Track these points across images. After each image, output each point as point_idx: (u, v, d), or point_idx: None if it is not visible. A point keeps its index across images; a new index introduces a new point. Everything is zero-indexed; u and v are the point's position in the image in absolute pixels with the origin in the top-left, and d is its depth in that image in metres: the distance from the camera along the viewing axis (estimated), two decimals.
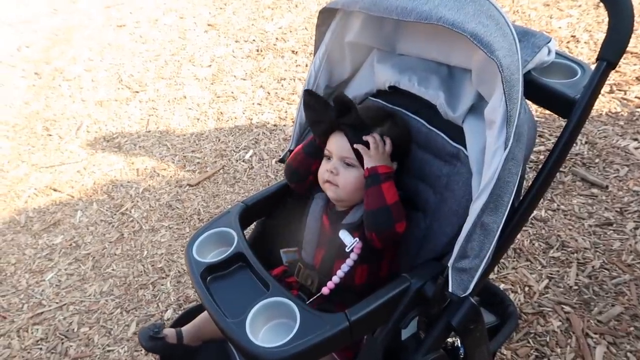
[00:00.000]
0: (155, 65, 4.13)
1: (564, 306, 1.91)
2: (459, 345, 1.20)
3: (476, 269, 0.93)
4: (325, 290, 1.12)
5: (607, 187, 2.40)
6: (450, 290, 0.94)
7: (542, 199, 2.44)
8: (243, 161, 2.92)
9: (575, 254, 2.10)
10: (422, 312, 1.05)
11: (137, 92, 3.78)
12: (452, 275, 0.94)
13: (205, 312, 1.29)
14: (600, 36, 3.55)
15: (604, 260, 2.05)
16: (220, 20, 4.79)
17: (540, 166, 1.00)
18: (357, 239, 1.10)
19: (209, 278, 1.11)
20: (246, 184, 2.75)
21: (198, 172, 2.89)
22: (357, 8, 1.04)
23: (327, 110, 1.15)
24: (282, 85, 3.62)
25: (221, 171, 2.87)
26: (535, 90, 1.04)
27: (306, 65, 3.82)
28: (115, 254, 2.47)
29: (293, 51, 4.03)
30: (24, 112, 3.94)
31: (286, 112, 3.30)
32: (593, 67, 1.06)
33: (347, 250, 1.09)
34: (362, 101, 1.28)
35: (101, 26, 5.09)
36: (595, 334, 1.80)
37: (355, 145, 1.11)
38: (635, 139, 2.65)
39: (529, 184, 1.04)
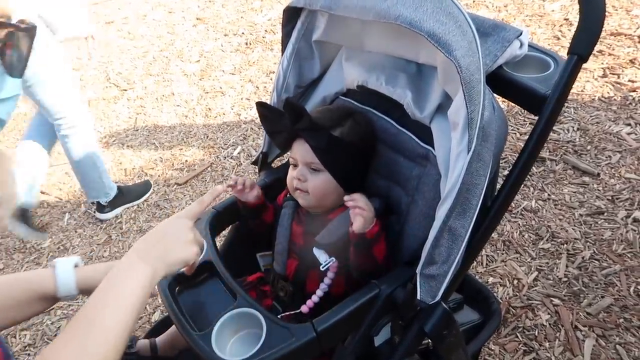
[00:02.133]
0: (143, 62, 4.08)
1: (552, 299, 1.88)
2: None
3: (444, 275, 0.91)
4: (304, 309, 1.10)
5: (598, 174, 2.36)
6: (419, 297, 0.91)
7: (533, 189, 2.41)
8: (231, 158, 2.89)
9: (565, 245, 2.07)
10: (395, 317, 1.03)
11: (125, 90, 3.75)
12: (420, 282, 0.91)
13: None
14: None
15: (595, 251, 2.02)
16: (209, 14, 4.73)
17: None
18: (332, 258, 1.07)
19: (177, 288, 1.08)
20: None
21: (186, 171, 2.86)
22: (318, 7, 1.00)
23: (282, 120, 1.11)
24: (271, 79, 3.57)
25: (209, 169, 2.85)
26: (505, 86, 1.00)
27: None
28: (104, 257, 2.45)
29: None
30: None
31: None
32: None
33: (322, 268, 1.06)
34: (332, 101, 1.24)
35: (88, 22, 5.03)
36: (585, 326, 1.77)
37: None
38: (628, 124, 2.61)
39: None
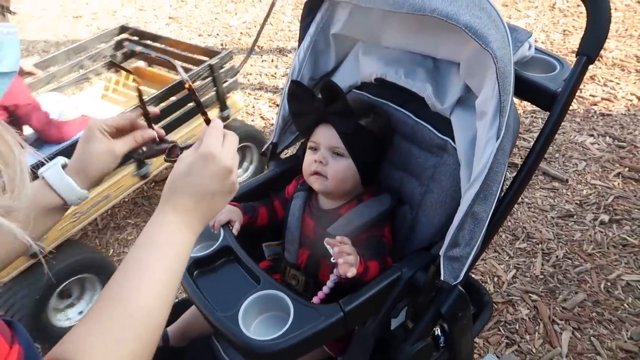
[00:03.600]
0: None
1: (531, 295, 1.98)
2: (439, 334, 1.23)
3: (467, 257, 0.96)
4: (315, 300, 1.11)
5: (567, 180, 2.51)
6: (442, 278, 0.96)
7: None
8: None
9: (540, 245, 2.18)
10: (411, 301, 1.06)
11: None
12: (444, 264, 0.96)
13: (191, 309, 1.26)
14: (557, 37, 3.70)
15: (567, 250, 2.15)
16: (182, 14, 4.69)
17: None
18: None
19: (195, 272, 1.08)
20: None
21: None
22: None
23: (313, 102, 1.14)
24: (248, 80, 3.58)
25: None
26: (518, 83, 1.06)
27: (272, 61, 3.80)
28: None
29: (258, 46, 3.99)
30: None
31: (253, 107, 3.27)
32: (569, 62, 1.11)
33: (332, 260, 1.02)
34: (346, 93, 1.27)
35: (56, 17, 4.87)
36: (561, 320, 1.88)
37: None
38: (591, 135, 2.79)
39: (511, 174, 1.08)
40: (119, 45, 2.68)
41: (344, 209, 1.17)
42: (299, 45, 1.25)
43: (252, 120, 3.14)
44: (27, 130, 2.07)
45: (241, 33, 4.22)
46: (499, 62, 0.84)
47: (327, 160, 1.12)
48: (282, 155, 1.39)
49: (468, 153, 1.01)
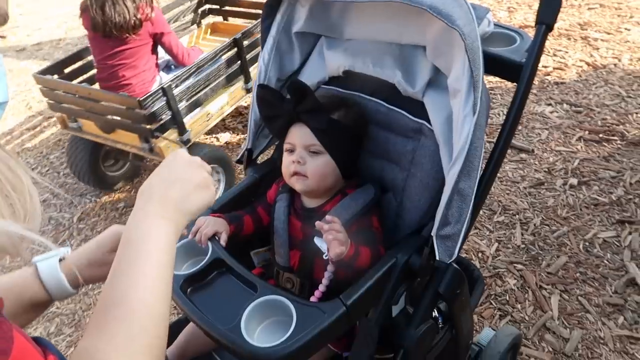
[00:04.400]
0: None
1: (516, 265, 2.03)
2: (437, 315, 1.24)
3: (459, 234, 0.97)
4: (313, 299, 1.10)
5: (533, 150, 2.58)
6: (437, 258, 0.97)
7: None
8: None
9: (517, 216, 2.24)
10: (409, 286, 1.07)
11: (50, 117, 3.52)
12: (437, 244, 0.96)
13: (188, 327, 1.23)
14: (502, 14, 3.81)
15: (543, 217, 2.21)
16: None
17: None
18: None
19: (189, 290, 1.06)
20: None
21: (134, 192, 2.75)
22: None
23: (283, 103, 1.13)
24: None
25: None
26: (483, 59, 1.09)
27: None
28: None
29: None
30: None
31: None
32: (529, 33, 1.14)
33: (324, 257, 1.03)
34: (315, 90, 1.27)
35: None
36: (548, 285, 1.93)
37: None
38: (549, 104, 2.88)
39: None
40: (199, 4, 3.28)
41: (329, 205, 1.17)
42: (262, 48, 1.24)
43: (217, 133, 3.10)
44: (161, 53, 2.56)
45: None
46: (467, 38, 0.86)
47: (305, 160, 1.11)
48: (259, 160, 1.38)
49: (445, 132, 1.02)
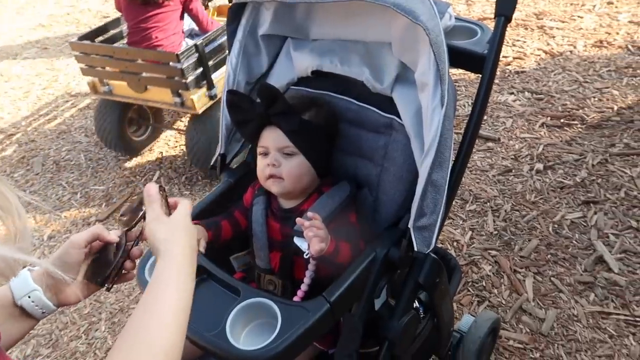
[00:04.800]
0: (26, 103, 3.76)
1: (490, 251, 2.08)
2: (418, 305, 1.27)
3: (435, 224, 0.99)
4: (296, 299, 1.11)
5: (499, 139, 2.65)
6: (416, 249, 0.99)
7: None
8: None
9: (488, 203, 2.30)
10: (390, 279, 1.09)
11: (12, 134, 3.42)
12: (414, 235, 0.99)
13: None
14: (462, 7, 3.89)
15: (513, 203, 2.27)
16: None
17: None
18: None
19: None
20: None
21: (105, 205, 2.70)
22: None
23: (254, 107, 1.13)
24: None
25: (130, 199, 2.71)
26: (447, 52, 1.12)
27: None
28: None
29: None
30: None
31: (185, 126, 3.19)
32: (489, 25, 1.18)
33: (305, 256, 1.05)
34: (284, 92, 1.28)
35: None
36: (522, 268, 1.99)
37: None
38: (512, 93, 2.96)
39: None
40: None
41: (306, 205, 1.18)
42: (229, 53, 1.24)
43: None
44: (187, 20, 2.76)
45: None
46: (430, 33, 0.88)
47: (279, 162, 1.12)
48: (232, 165, 1.37)
49: (415, 126, 1.04)
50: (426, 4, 0.90)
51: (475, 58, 1.08)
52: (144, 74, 2.51)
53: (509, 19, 1.06)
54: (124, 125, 2.83)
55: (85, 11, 5.27)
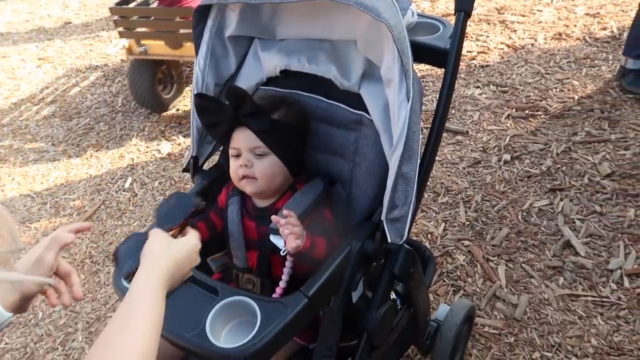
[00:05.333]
0: None
1: (463, 242, 2.13)
2: (395, 297, 1.30)
3: (407, 215, 1.02)
4: (275, 296, 1.12)
5: (467, 132, 2.72)
6: (389, 240, 1.01)
7: None
8: (124, 191, 2.75)
9: (459, 195, 2.35)
10: (365, 271, 1.11)
11: None
12: (387, 227, 1.01)
13: None
14: (425, 4, 3.96)
15: (483, 194, 2.33)
16: (52, 52, 4.40)
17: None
18: None
19: None
20: (134, 213, 2.59)
21: (76, 215, 2.65)
22: (234, 0, 1.06)
23: (222, 110, 1.14)
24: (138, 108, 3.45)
25: (102, 207, 2.67)
26: (411, 48, 1.15)
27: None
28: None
29: None
30: None
31: (156, 130, 3.16)
32: (450, 21, 1.21)
33: (282, 253, 1.06)
34: (254, 92, 1.29)
35: None
36: (494, 257, 2.05)
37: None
38: (478, 87, 3.03)
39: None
40: None
41: (280, 203, 1.19)
42: (196, 55, 1.24)
43: (158, 144, 3.04)
44: None
45: (122, 60, 4.05)
46: (393, 29, 0.90)
47: (252, 162, 1.13)
48: (205, 167, 1.38)
49: (384, 121, 1.07)
50: (388, 1, 0.93)
51: (439, 53, 1.11)
52: (180, 31, 2.75)
53: (468, 14, 1.10)
54: (155, 84, 3.10)
55: (45, 17, 5.15)
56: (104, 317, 2.09)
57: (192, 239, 0.95)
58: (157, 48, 2.93)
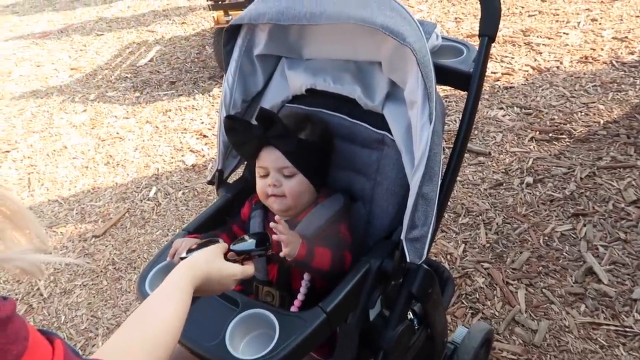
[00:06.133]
0: (21, 120, 3.79)
1: (482, 264, 2.12)
2: (412, 317, 1.30)
3: (426, 236, 1.03)
4: (293, 309, 1.14)
5: (489, 153, 2.71)
6: (408, 260, 1.02)
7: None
8: (148, 200, 2.80)
9: (480, 216, 2.34)
10: (384, 290, 1.12)
11: (7, 151, 3.44)
12: (407, 247, 1.02)
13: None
14: (450, 25, 3.98)
15: (504, 216, 2.31)
16: (84, 63, 4.54)
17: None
18: None
19: None
20: (157, 222, 2.65)
21: (101, 221, 2.71)
22: (265, 20, 1.09)
23: (252, 130, 1.17)
24: (170, 117, 3.53)
25: (127, 215, 2.73)
26: (435, 71, 1.17)
27: (189, 94, 3.78)
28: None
29: (171, 82, 3.96)
30: None
31: (181, 142, 3.23)
32: (474, 44, 1.23)
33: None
34: (279, 109, 1.32)
35: None
36: (514, 280, 2.02)
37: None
38: (501, 108, 3.03)
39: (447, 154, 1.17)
40: None
41: (301, 215, 1.21)
42: (225, 72, 1.28)
43: (182, 155, 3.11)
44: None
45: (150, 72, 4.16)
46: (417, 53, 0.93)
47: (280, 182, 1.15)
48: (229, 180, 1.41)
49: (406, 141, 1.08)
50: (413, 25, 0.95)
51: (462, 76, 1.13)
52: None
53: (492, 39, 1.11)
54: None
55: (78, 28, 5.33)
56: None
57: (235, 268, 0.97)
58: None
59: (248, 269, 1.00)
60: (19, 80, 4.42)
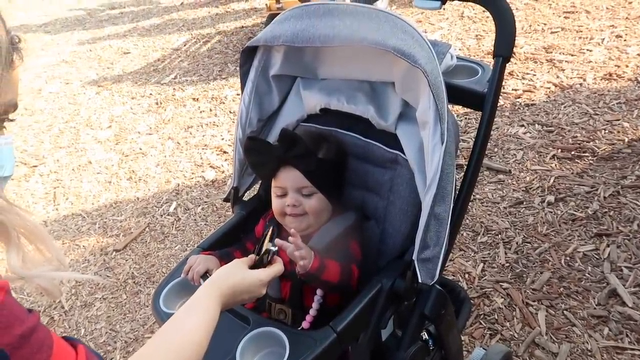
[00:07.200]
0: (49, 136, 3.90)
1: (502, 284, 2.08)
2: (427, 338, 1.28)
3: (438, 256, 1.02)
4: (305, 325, 1.14)
5: (510, 171, 2.67)
6: (420, 281, 1.02)
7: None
8: (168, 215, 2.85)
9: (500, 235, 2.30)
10: (396, 310, 1.11)
11: (35, 166, 3.55)
12: (419, 267, 1.02)
13: None
14: (471, 42, 3.98)
15: (524, 235, 2.27)
16: (111, 80, 4.67)
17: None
18: None
19: None
20: (176, 237, 2.68)
21: (122, 235, 2.76)
22: (280, 42, 1.11)
23: (271, 150, 1.18)
24: (191, 133, 3.60)
25: (147, 229, 2.77)
26: (449, 91, 1.16)
27: (210, 110, 3.84)
28: None
29: (194, 98, 4.03)
30: None
31: (201, 158, 3.29)
32: (488, 64, 1.23)
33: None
34: (294, 128, 1.34)
35: None
36: (534, 301, 1.98)
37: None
38: (522, 125, 2.99)
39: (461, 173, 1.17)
40: None
41: (313, 232, 1.21)
42: (242, 91, 1.31)
43: (203, 171, 3.15)
44: None
45: (174, 89, 4.25)
46: (429, 75, 0.93)
47: (300, 202, 1.16)
48: (245, 197, 1.43)
49: (418, 161, 1.09)
50: (425, 48, 0.96)
51: (476, 96, 1.13)
52: None
53: (507, 59, 1.11)
54: None
55: (106, 47, 5.49)
56: (141, 337, 2.15)
57: (259, 273, 0.99)
58: (290, 4, 3.60)
59: (275, 267, 1.02)
60: (49, 97, 4.57)
